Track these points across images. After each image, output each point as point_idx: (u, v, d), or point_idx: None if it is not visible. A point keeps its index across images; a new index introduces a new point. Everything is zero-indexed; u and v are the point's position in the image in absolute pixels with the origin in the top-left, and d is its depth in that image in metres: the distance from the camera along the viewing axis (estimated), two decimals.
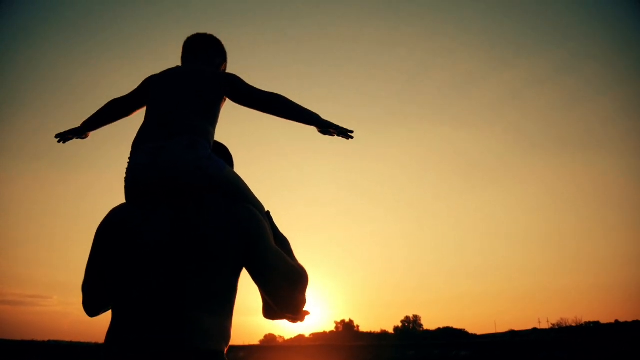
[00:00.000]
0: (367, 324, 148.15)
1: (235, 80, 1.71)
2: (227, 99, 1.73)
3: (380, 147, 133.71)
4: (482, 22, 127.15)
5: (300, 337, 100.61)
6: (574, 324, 68.32)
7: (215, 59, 1.88)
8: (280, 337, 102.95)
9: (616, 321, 69.01)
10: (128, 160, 1.50)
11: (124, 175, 1.49)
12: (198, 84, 1.64)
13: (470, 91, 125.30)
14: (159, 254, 1.34)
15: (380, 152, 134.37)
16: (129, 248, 1.37)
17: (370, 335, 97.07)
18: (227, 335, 1.35)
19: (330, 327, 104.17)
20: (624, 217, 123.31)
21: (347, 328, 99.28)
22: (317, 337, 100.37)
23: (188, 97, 1.60)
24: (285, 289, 1.42)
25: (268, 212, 1.62)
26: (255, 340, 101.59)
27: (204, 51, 1.86)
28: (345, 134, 1.71)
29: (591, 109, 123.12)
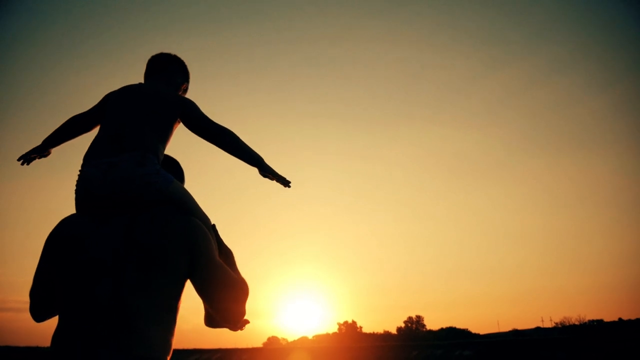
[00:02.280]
0: (370, 325, 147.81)
1: (190, 106, 1.76)
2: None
3: (381, 147, 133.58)
4: (478, 21, 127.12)
5: (303, 339, 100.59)
6: (577, 323, 68.27)
7: (176, 78, 1.94)
8: (284, 339, 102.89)
9: (620, 319, 68.91)
10: (79, 173, 1.54)
11: (75, 188, 1.54)
12: (153, 103, 1.70)
13: (467, 91, 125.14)
14: (106, 265, 1.38)
15: (381, 153, 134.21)
16: (76, 259, 1.41)
17: (373, 336, 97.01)
18: (168, 346, 1.39)
19: (333, 328, 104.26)
20: (626, 215, 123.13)
21: (350, 329, 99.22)
22: (320, 338, 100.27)
23: (141, 114, 1.66)
24: (226, 301, 1.49)
25: (214, 226, 1.67)
26: (258, 343, 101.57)
27: (166, 70, 1.93)
28: (283, 182, 1.78)
29: (589, 107, 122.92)
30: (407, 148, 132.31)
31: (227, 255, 1.66)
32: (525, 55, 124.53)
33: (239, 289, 1.51)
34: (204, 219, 1.63)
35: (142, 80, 1.88)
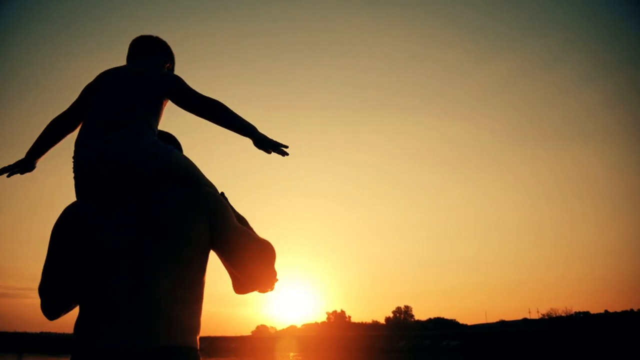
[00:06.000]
0: (358, 315, 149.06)
1: (177, 81, 1.69)
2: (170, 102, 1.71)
3: (372, 138, 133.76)
4: (470, 13, 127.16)
5: (292, 328, 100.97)
6: (563, 314, 68.98)
7: (160, 58, 1.87)
8: (272, 327, 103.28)
9: (606, 311, 69.69)
10: (72, 159, 1.46)
11: (72, 174, 1.45)
12: (138, 81, 1.62)
13: (459, 82, 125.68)
14: (124, 247, 1.31)
15: (372, 143, 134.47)
16: (89, 245, 1.33)
17: (361, 325, 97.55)
18: (197, 324, 1.34)
19: (322, 317, 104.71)
20: (613, 209, 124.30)
21: (338, 319, 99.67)
22: (309, 327, 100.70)
23: (128, 92, 1.57)
24: (256, 264, 1.45)
25: (222, 193, 1.62)
26: (247, 331, 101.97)
27: (148, 51, 1.86)
28: (279, 149, 1.69)
29: (579, 100, 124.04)
30: (397, 138, 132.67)
31: (242, 221, 1.60)
32: (516, 47, 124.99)
33: (266, 250, 1.47)
34: (212, 187, 1.57)
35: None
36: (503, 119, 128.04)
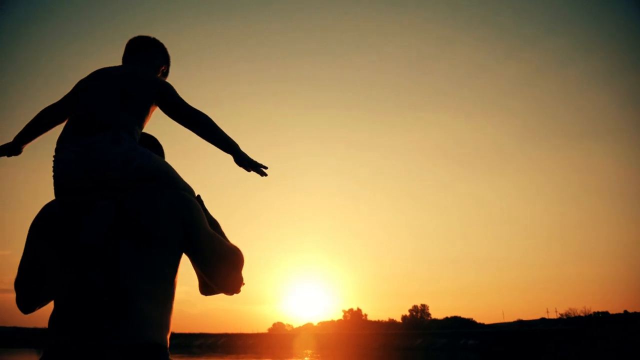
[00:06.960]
0: (375, 313, 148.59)
1: (166, 89, 1.69)
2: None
3: (388, 137, 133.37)
4: (484, 13, 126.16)
5: (308, 326, 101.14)
6: (582, 314, 68.19)
7: (154, 60, 1.86)
8: (289, 325, 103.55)
9: (625, 312, 68.67)
10: (53, 159, 1.48)
11: (52, 174, 1.47)
12: (127, 83, 1.62)
13: (473, 81, 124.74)
14: (98, 248, 1.34)
15: (387, 142, 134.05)
16: (68, 242, 1.36)
17: (378, 323, 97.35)
18: (168, 322, 1.38)
19: (338, 315, 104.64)
20: (633, 207, 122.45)
21: (355, 316, 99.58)
22: (325, 325, 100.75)
23: (114, 94, 1.57)
24: (223, 269, 1.48)
25: (198, 196, 1.65)
26: (264, 329, 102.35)
27: (143, 52, 1.86)
28: (258, 169, 1.68)
29: (593, 99, 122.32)
30: (412, 137, 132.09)
31: (215, 225, 1.63)
32: (531, 47, 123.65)
33: (235, 257, 1.51)
34: (190, 190, 1.60)
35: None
36: (518, 119, 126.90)
